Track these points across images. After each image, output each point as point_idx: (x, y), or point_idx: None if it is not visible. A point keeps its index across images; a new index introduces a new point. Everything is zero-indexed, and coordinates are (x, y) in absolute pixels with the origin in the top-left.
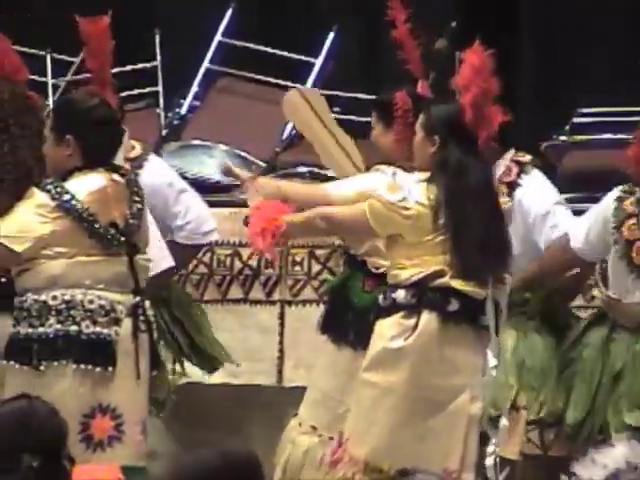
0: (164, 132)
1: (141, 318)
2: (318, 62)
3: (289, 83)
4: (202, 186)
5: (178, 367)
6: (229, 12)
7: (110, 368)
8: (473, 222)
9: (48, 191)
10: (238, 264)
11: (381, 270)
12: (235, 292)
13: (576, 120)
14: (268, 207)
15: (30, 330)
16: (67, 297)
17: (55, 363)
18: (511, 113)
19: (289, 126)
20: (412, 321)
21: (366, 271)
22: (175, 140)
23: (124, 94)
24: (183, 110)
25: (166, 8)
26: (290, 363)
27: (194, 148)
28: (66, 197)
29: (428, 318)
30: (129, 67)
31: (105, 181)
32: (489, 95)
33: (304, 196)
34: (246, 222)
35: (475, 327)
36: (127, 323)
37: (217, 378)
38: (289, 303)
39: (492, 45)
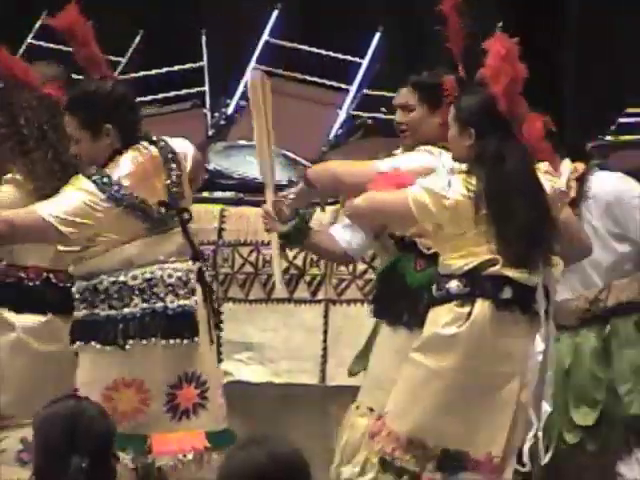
0: (210, 132)
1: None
2: (364, 62)
3: (336, 83)
4: (248, 186)
5: (223, 367)
6: (275, 12)
7: (196, 338)
8: (516, 211)
9: (95, 182)
10: (283, 264)
11: (432, 250)
12: (280, 291)
13: (622, 120)
14: None
15: (112, 312)
16: (147, 275)
17: (144, 341)
18: (557, 113)
19: (336, 126)
20: (466, 309)
21: (417, 251)
22: (221, 140)
23: (171, 94)
24: (229, 110)
25: (213, 8)
26: (333, 362)
27: (240, 148)
28: (115, 188)
29: (482, 306)
30: (176, 67)
31: (141, 157)
32: (518, 82)
33: (357, 177)
34: None
35: (527, 314)
36: (198, 290)
37: (260, 377)
38: (334, 302)
39: (538, 45)
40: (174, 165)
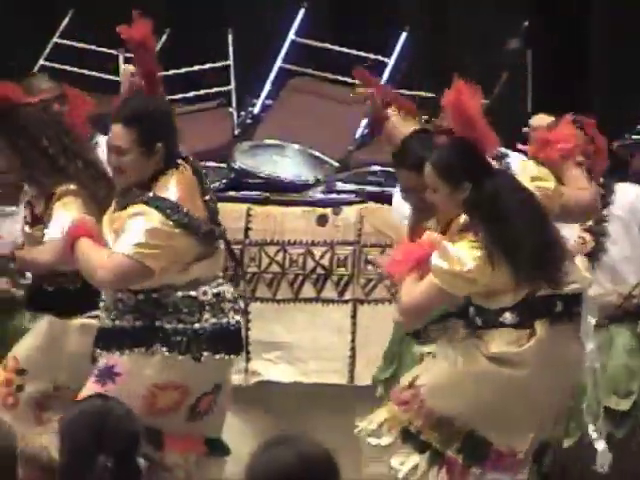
0: (237, 131)
1: None
2: (391, 61)
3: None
4: (275, 185)
5: (251, 366)
6: (302, 11)
7: (241, 352)
8: (523, 239)
9: (161, 209)
10: (311, 263)
11: None
12: (308, 291)
13: None
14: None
15: (181, 325)
16: (215, 290)
17: (217, 356)
18: (584, 112)
19: (362, 125)
20: (525, 331)
21: None
22: (248, 139)
23: (197, 93)
24: (256, 109)
25: (239, 7)
26: (362, 362)
27: (267, 147)
28: (182, 214)
29: (541, 326)
30: (202, 66)
31: (184, 178)
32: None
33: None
34: (320, 222)
35: (572, 319)
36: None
37: (289, 376)
38: (361, 302)
39: (564, 45)
40: (205, 180)
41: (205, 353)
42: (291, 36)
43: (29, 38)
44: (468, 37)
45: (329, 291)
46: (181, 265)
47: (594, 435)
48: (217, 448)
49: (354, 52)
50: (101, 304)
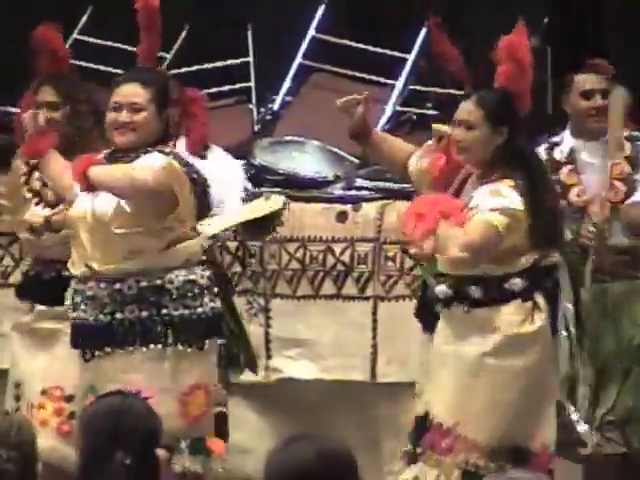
0: (256, 128)
1: None
2: (410, 58)
3: (382, 79)
4: (295, 182)
5: (272, 363)
6: (322, 7)
7: None
8: (550, 199)
9: (176, 157)
10: (331, 260)
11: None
12: (328, 288)
13: None
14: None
15: (186, 312)
16: (208, 273)
17: (219, 341)
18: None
19: (381, 121)
20: (529, 304)
21: None
22: (267, 136)
23: (216, 89)
24: (276, 106)
25: (259, 3)
26: (383, 359)
27: (286, 144)
28: (190, 168)
29: (541, 299)
30: (222, 62)
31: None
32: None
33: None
34: (340, 219)
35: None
36: None
37: (310, 374)
38: (382, 299)
39: (583, 43)
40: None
41: (207, 341)
42: (311, 32)
43: None
44: (487, 34)
45: (349, 288)
46: (181, 229)
47: (574, 416)
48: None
49: (374, 48)
50: (77, 299)
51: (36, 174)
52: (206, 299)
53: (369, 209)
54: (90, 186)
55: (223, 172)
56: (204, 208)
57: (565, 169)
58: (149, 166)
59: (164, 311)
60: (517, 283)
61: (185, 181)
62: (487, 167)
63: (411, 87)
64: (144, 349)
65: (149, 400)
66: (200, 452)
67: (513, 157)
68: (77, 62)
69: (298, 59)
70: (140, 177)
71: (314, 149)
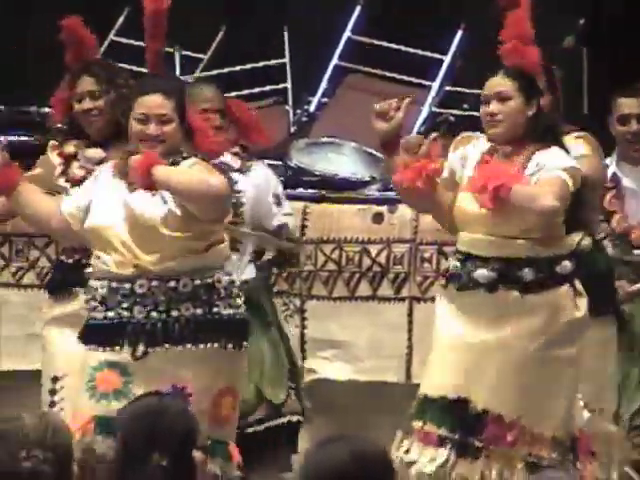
0: (293, 129)
1: None
2: (447, 59)
3: (418, 80)
4: (331, 183)
5: (307, 364)
6: (358, 9)
7: None
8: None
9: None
10: (367, 261)
11: None
12: (364, 289)
13: None
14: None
15: (232, 311)
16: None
17: (245, 343)
18: None
19: (418, 122)
20: (572, 289)
21: None
22: (304, 137)
23: (253, 91)
24: (312, 107)
25: (295, 4)
26: (418, 360)
27: (323, 145)
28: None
29: (579, 284)
30: (258, 64)
31: None
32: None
33: None
34: (376, 220)
35: None
36: None
37: (345, 375)
38: (418, 300)
39: (619, 41)
40: None
41: (243, 342)
42: (347, 34)
43: None
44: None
45: (385, 289)
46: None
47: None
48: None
49: (410, 50)
50: (118, 297)
51: (75, 163)
52: (239, 300)
53: (405, 210)
54: (151, 184)
55: (259, 178)
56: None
57: (609, 195)
58: (215, 173)
59: (215, 310)
60: (567, 266)
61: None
62: (518, 142)
63: (447, 88)
64: (194, 347)
65: (190, 398)
66: (221, 455)
67: (545, 132)
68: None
69: (334, 60)
70: (216, 184)
71: (350, 150)
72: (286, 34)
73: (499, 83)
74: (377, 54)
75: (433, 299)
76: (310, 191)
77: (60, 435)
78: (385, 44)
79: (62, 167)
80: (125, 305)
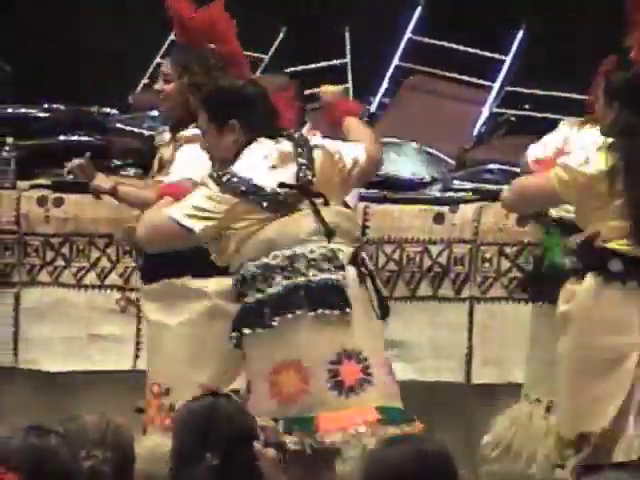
0: None
1: (362, 268)
2: (508, 59)
3: (479, 80)
4: (392, 183)
5: None
6: (419, 9)
7: (347, 310)
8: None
9: (211, 177)
10: (428, 261)
11: None
12: (424, 289)
13: None
14: None
15: (260, 295)
16: (288, 253)
17: (289, 316)
18: None
19: (479, 123)
20: (576, 286)
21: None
22: None
23: (314, 91)
24: (373, 108)
25: (356, 5)
26: (479, 360)
27: (384, 145)
28: (227, 178)
29: (589, 281)
30: (319, 64)
31: (261, 149)
32: None
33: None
34: (437, 220)
35: None
36: (351, 270)
37: (405, 374)
38: (478, 300)
39: None
40: (304, 153)
41: (277, 318)
42: (408, 34)
43: (146, 36)
44: (582, 35)
45: (446, 289)
46: (243, 232)
47: None
48: (395, 416)
49: (471, 50)
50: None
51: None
52: (278, 278)
53: (466, 210)
54: None
55: None
56: None
57: None
58: (159, 220)
59: (246, 299)
60: (615, 265)
61: (225, 201)
62: None
63: (508, 88)
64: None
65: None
66: (304, 428)
67: (620, 133)
68: None
69: (395, 61)
70: (137, 233)
71: (411, 151)
72: (347, 34)
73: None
74: (438, 54)
75: (493, 299)
76: (371, 191)
77: (120, 435)
78: (446, 44)
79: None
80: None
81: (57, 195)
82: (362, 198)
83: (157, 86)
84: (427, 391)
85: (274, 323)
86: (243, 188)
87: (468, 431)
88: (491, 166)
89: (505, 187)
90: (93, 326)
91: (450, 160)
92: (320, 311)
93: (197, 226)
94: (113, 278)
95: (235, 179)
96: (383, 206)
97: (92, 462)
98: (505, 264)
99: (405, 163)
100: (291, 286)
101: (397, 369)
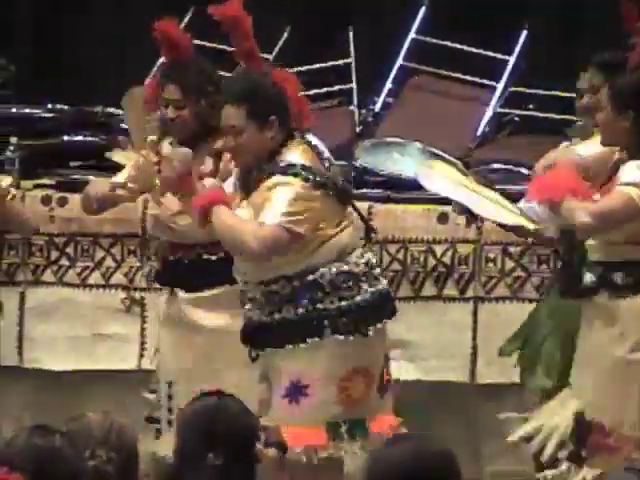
0: (358, 129)
1: None
2: (511, 59)
3: (483, 80)
4: (396, 183)
5: None
6: (422, 9)
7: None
8: None
9: (299, 174)
10: (432, 261)
11: None
12: (429, 289)
13: None
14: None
15: (344, 303)
16: (364, 259)
17: (379, 325)
18: None
19: (482, 123)
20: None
21: None
22: (369, 137)
23: (318, 91)
24: (377, 107)
25: (360, 5)
26: (483, 360)
27: (388, 145)
28: (318, 175)
29: None
30: (323, 64)
31: (306, 147)
32: None
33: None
34: (441, 220)
35: None
36: None
37: (410, 374)
38: (482, 300)
39: None
40: (323, 152)
41: (371, 327)
42: (412, 34)
43: (151, 35)
44: (588, 34)
45: (450, 289)
46: (330, 229)
47: None
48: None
49: (475, 50)
50: (245, 299)
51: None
52: (364, 286)
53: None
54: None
55: None
56: None
57: None
58: (269, 231)
59: (319, 305)
60: None
61: (313, 197)
62: (629, 152)
63: (512, 89)
64: (303, 345)
65: (309, 390)
66: (359, 433)
67: None
68: None
69: (399, 61)
70: (251, 247)
71: (415, 151)
72: (351, 34)
73: (601, 93)
74: (442, 54)
75: (498, 299)
76: (375, 191)
77: (125, 436)
78: (450, 44)
79: (157, 167)
80: (247, 306)
81: (61, 195)
82: (366, 198)
83: (170, 113)
84: (431, 391)
85: (370, 332)
86: (323, 180)
87: (472, 431)
88: (495, 166)
89: (578, 216)
90: (98, 325)
91: (454, 159)
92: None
93: (302, 229)
94: (118, 277)
95: (314, 172)
96: (387, 206)
97: (96, 462)
98: (509, 264)
99: (409, 163)
100: (376, 294)
101: (401, 369)
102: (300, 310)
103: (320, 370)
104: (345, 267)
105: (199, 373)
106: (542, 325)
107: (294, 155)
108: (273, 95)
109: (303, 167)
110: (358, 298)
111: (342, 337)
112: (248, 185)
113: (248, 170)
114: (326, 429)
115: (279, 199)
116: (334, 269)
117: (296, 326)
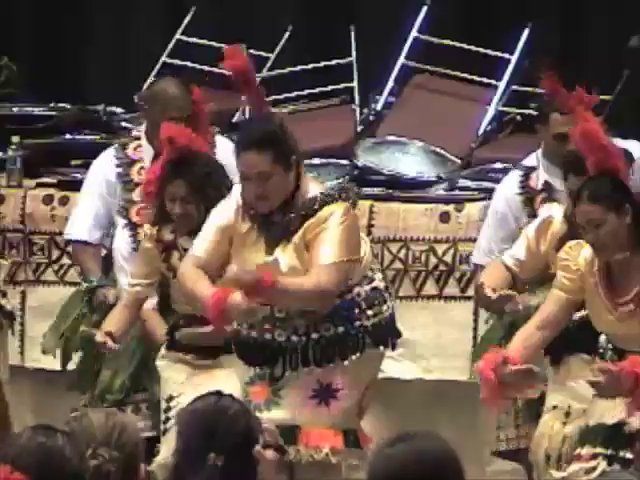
0: (359, 128)
1: None
2: (513, 58)
3: (484, 79)
4: (397, 182)
5: None
6: (424, 8)
7: None
8: None
9: (340, 199)
10: (433, 260)
11: None
12: (430, 288)
13: None
14: None
15: (377, 319)
16: (379, 274)
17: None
18: None
19: (484, 122)
20: None
21: None
22: (370, 136)
23: (319, 90)
24: (379, 106)
25: (362, 4)
26: None
27: (389, 144)
28: (350, 193)
29: None
30: (325, 63)
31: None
32: None
33: None
34: (443, 219)
35: None
36: None
37: (411, 373)
38: None
39: None
40: None
41: (397, 340)
42: (414, 33)
43: (152, 35)
44: (589, 34)
45: (451, 288)
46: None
47: None
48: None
49: (476, 49)
50: (258, 317)
51: (176, 254)
52: (389, 301)
53: (472, 209)
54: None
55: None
56: None
57: (539, 198)
58: (333, 269)
59: (357, 323)
60: None
61: (355, 217)
62: (631, 251)
63: (514, 88)
64: (345, 362)
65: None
66: (353, 444)
67: None
68: (180, 62)
69: (401, 60)
70: (322, 295)
71: (417, 149)
72: (353, 33)
73: (587, 212)
74: (444, 53)
75: None
76: (377, 190)
77: (127, 435)
78: (451, 43)
79: (163, 255)
80: (266, 327)
81: (63, 194)
82: (367, 197)
83: (177, 209)
84: (432, 390)
85: (397, 344)
86: (355, 197)
87: (473, 430)
88: (497, 165)
89: None
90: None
91: (456, 159)
92: None
93: (359, 254)
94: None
95: (347, 191)
96: (388, 205)
97: (98, 461)
98: None
99: (411, 162)
100: (392, 309)
101: (402, 368)
102: (340, 329)
103: (351, 378)
104: (374, 284)
105: (201, 379)
106: None
107: (312, 186)
108: (291, 136)
109: (337, 190)
110: (386, 313)
111: (380, 349)
112: (270, 226)
113: (270, 212)
114: (343, 435)
115: (332, 234)
116: (367, 287)
117: (336, 344)
